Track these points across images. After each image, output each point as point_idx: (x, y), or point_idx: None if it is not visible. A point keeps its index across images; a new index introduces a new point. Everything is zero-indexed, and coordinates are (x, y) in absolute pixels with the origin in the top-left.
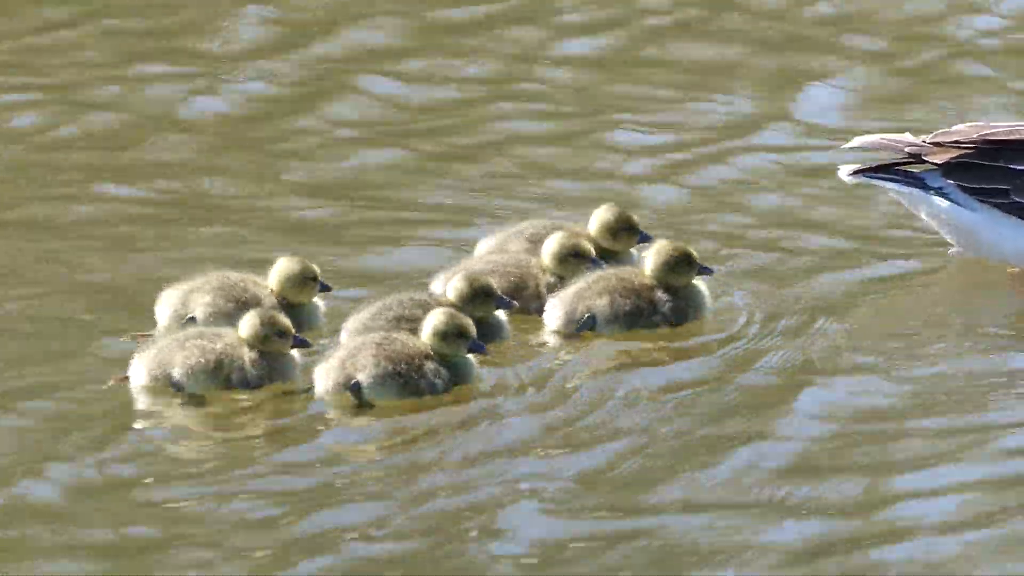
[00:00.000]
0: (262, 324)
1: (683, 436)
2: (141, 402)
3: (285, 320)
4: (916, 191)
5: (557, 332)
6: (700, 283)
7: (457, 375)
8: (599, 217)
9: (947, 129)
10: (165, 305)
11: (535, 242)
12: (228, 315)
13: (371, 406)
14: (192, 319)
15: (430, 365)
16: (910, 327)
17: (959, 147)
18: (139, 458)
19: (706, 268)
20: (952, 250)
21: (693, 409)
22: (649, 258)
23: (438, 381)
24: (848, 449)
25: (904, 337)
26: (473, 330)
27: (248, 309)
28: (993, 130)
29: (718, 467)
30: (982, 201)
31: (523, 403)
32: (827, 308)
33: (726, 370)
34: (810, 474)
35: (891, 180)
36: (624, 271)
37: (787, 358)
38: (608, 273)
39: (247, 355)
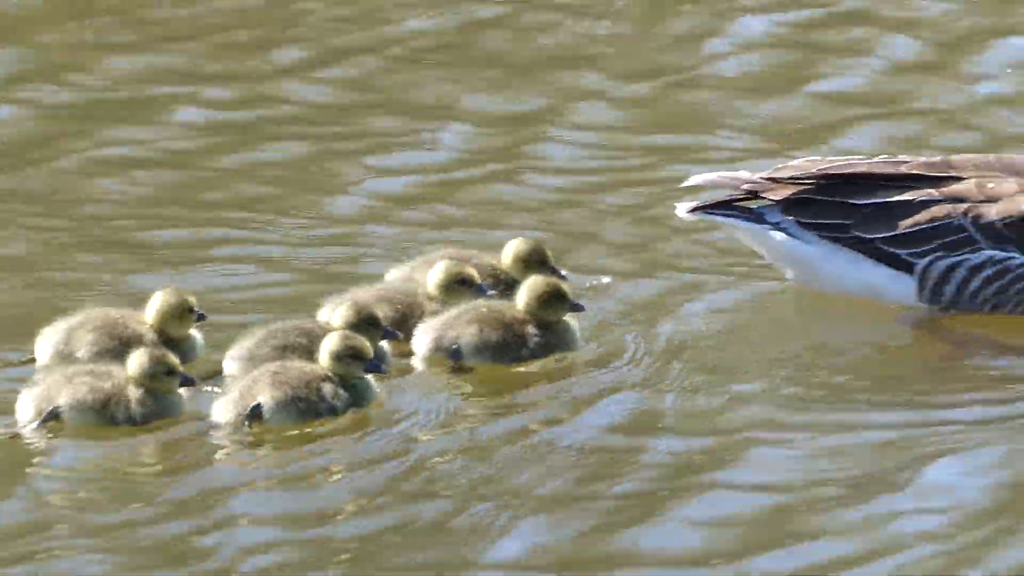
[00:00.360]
0: (151, 362)
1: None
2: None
3: (173, 359)
4: (755, 226)
5: (425, 359)
6: (572, 319)
7: (356, 397)
8: (513, 248)
9: (784, 164)
10: (47, 343)
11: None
12: (111, 352)
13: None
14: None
15: (328, 387)
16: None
17: (797, 183)
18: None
19: (578, 304)
20: (789, 280)
21: (544, 449)
22: (522, 293)
23: (337, 403)
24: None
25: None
26: (370, 351)
27: (129, 347)
28: (830, 165)
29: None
30: (821, 236)
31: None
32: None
33: (574, 404)
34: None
35: (730, 216)
36: (497, 304)
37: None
38: (480, 304)
39: (133, 393)
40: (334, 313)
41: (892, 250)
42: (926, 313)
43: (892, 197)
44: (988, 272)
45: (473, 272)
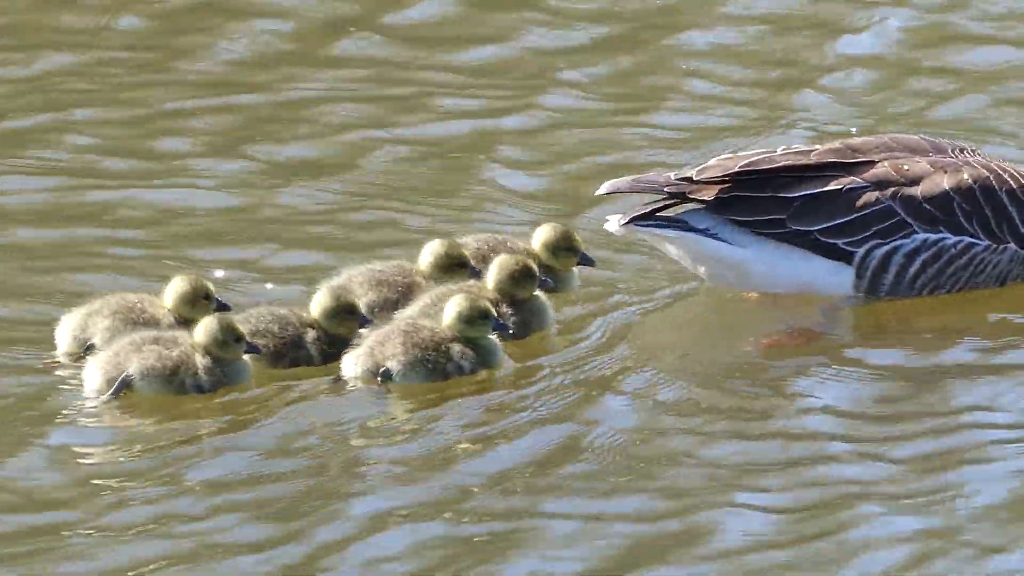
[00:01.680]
0: (220, 329)
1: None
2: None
3: (240, 326)
4: (688, 235)
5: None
6: (543, 296)
7: (484, 358)
8: (542, 234)
9: (702, 164)
10: (65, 330)
11: (480, 260)
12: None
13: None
14: (92, 346)
15: (456, 347)
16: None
17: (722, 181)
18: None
19: (545, 280)
20: (705, 281)
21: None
22: (492, 271)
23: (466, 363)
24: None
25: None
26: (494, 311)
27: (412, 294)
28: (753, 158)
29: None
30: (757, 233)
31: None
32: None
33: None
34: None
35: (663, 227)
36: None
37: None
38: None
39: (200, 361)
40: (313, 299)
41: (830, 241)
42: (858, 302)
43: (820, 188)
44: (924, 255)
45: (466, 253)
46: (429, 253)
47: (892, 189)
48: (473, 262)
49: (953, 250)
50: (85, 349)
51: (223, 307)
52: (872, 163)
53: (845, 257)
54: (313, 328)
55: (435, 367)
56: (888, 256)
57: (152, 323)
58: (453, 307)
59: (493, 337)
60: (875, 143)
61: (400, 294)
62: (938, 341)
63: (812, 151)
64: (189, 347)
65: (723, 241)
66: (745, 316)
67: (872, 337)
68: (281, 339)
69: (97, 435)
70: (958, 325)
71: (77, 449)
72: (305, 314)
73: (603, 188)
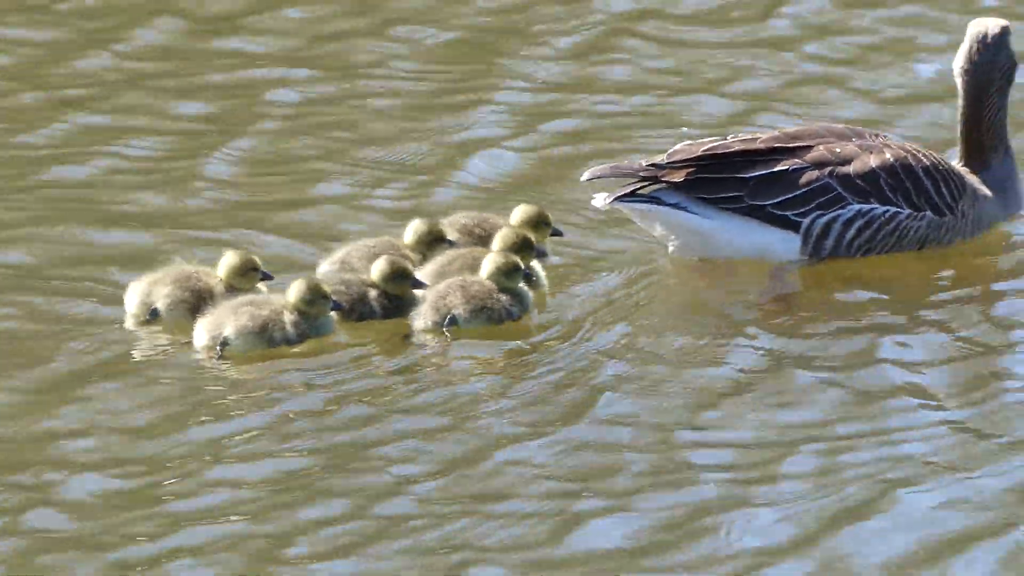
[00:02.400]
0: (308, 290)
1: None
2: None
3: (326, 286)
4: (662, 208)
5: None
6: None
7: (522, 304)
8: (521, 211)
9: (671, 150)
10: (133, 295)
11: (467, 234)
12: (186, 303)
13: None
14: (155, 311)
15: (504, 296)
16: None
17: (689, 165)
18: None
19: (542, 251)
20: (671, 251)
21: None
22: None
23: (514, 308)
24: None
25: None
26: (522, 264)
27: (203, 298)
28: (711, 145)
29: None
30: (721, 208)
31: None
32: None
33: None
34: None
35: (641, 202)
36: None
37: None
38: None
39: (288, 317)
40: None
41: (781, 213)
42: (803, 264)
43: (770, 169)
44: (859, 223)
45: (443, 229)
46: (412, 231)
47: (829, 168)
48: (459, 236)
49: (882, 218)
50: (150, 313)
51: (267, 276)
52: (809, 147)
53: (793, 226)
54: (374, 288)
55: (492, 313)
56: (828, 224)
57: (207, 292)
58: (491, 263)
59: (524, 286)
60: (809, 131)
61: None
62: (872, 295)
63: (757, 139)
64: (279, 306)
65: (692, 214)
66: (705, 290)
67: (817, 291)
68: (349, 296)
69: (210, 383)
70: (887, 281)
71: (189, 398)
72: (365, 276)
73: (586, 175)
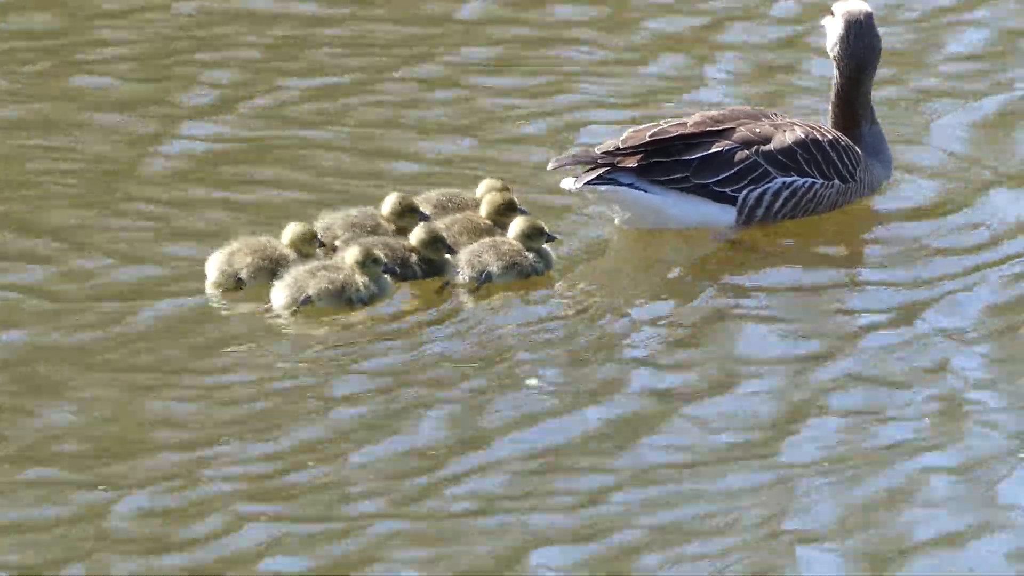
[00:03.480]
0: (361, 254)
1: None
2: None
3: (379, 252)
4: (622, 189)
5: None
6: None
7: (547, 261)
8: (484, 186)
9: (623, 136)
10: (213, 265)
11: (440, 208)
12: (266, 271)
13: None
14: (240, 279)
15: (531, 255)
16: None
17: (639, 151)
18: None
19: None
20: (618, 222)
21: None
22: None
23: (539, 265)
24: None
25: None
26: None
27: (279, 265)
28: (655, 130)
29: None
30: (671, 188)
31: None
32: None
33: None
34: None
35: (605, 184)
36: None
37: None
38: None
39: (359, 279)
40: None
41: (721, 189)
42: (738, 230)
43: (706, 151)
44: (785, 194)
45: (416, 202)
46: (389, 203)
47: (755, 147)
48: (433, 210)
49: (802, 188)
50: (236, 281)
51: (323, 244)
52: (733, 129)
53: (731, 200)
54: (414, 252)
55: (522, 269)
56: (759, 197)
57: (281, 259)
58: (516, 226)
59: (546, 246)
60: (726, 114)
61: (368, 233)
62: (798, 253)
63: (683, 123)
64: (350, 270)
65: (648, 193)
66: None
67: (755, 252)
68: (395, 260)
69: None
70: (810, 241)
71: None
72: (404, 242)
73: (552, 164)
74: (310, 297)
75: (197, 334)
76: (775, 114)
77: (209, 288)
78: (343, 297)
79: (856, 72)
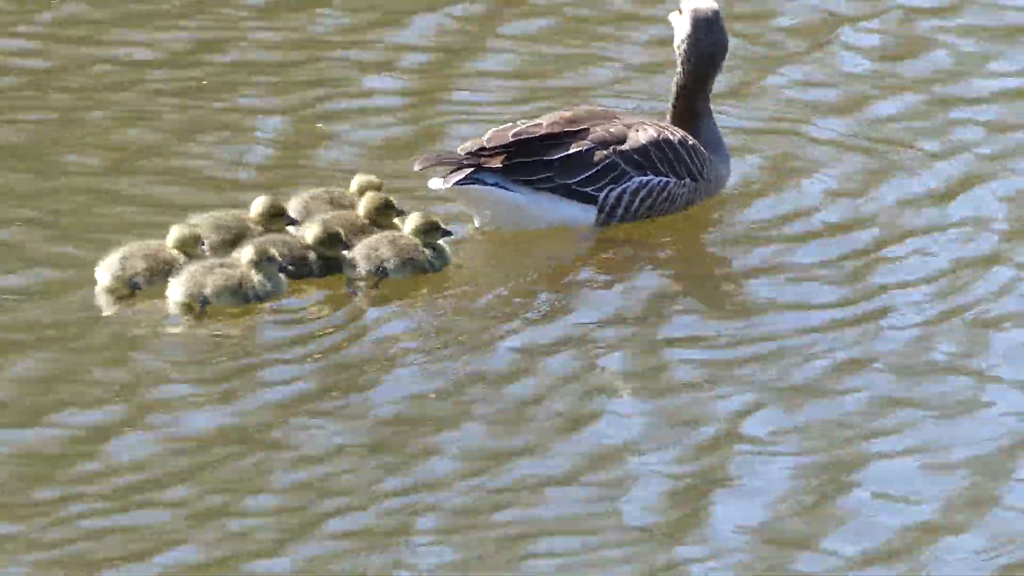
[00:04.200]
0: (258, 253)
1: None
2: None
3: (274, 250)
4: (488, 188)
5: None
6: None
7: (444, 257)
8: (367, 197)
9: (486, 136)
10: (106, 270)
11: (337, 204)
12: (161, 274)
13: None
14: (136, 284)
15: (427, 250)
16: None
17: (502, 151)
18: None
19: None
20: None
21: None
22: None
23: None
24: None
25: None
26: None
27: (173, 268)
28: (517, 130)
29: None
30: (535, 188)
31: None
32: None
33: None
34: None
35: (471, 184)
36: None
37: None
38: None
39: (255, 277)
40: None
41: (582, 189)
42: (599, 229)
43: (566, 152)
44: (642, 193)
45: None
46: (257, 205)
47: (612, 147)
48: (298, 214)
49: (658, 187)
50: (131, 286)
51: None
52: (588, 130)
53: (592, 200)
54: (311, 250)
55: (418, 264)
56: (619, 196)
57: (174, 262)
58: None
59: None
60: (580, 115)
61: (235, 234)
62: (656, 250)
63: (539, 123)
64: (245, 267)
65: (513, 192)
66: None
67: (620, 248)
68: (292, 259)
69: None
70: (666, 237)
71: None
72: (302, 240)
73: (417, 165)
74: (207, 298)
75: (93, 338)
76: (621, 113)
77: (102, 293)
78: (240, 294)
79: (701, 69)
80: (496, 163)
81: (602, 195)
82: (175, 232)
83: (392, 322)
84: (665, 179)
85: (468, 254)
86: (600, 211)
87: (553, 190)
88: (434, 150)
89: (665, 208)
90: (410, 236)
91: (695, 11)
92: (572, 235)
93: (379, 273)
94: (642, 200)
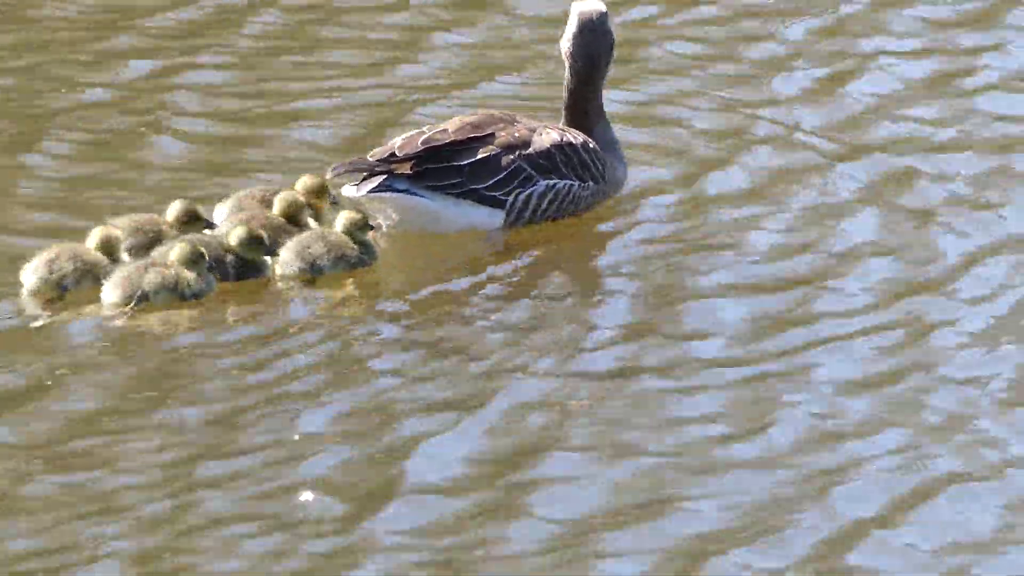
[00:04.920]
0: (190, 252)
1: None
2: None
3: (203, 249)
4: (400, 195)
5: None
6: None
7: (372, 252)
8: (304, 182)
9: (397, 144)
10: (32, 272)
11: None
12: (90, 276)
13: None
14: (64, 287)
15: (358, 247)
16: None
17: (413, 157)
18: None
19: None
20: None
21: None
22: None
23: (366, 257)
24: None
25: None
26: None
27: (100, 269)
28: (425, 136)
29: None
30: (446, 193)
31: None
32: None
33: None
34: None
35: (384, 191)
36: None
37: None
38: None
39: (189, 275)
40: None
41: (491, 194)
42: (505, 232)
43: (474, 157)
44: (549, 196)
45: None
46: (172, 209)
47: (517, 152)
48: (232, 213)
49: (563, 190)
50: (59, 289)
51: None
52: (493, 135)
53: (500, 204)
54: (230, 252)
55: (350, 260)
56: (526, 199)
57: (99, 264)
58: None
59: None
60: (483, 119)
61: (151, 239)
62: (563, 250)
63: (445, 129)
64: (178, 265)
65: (421, 197)
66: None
67: (527, 250)
68: (210, 260)
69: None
70: (573, 238)
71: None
72: (224, 242)
73: (330, 173)
74: (146, 294)
75: (24, 343)
76: (521, 116)
77: (27, 296)
78: (176, 292)
79: (588, 71)
80: (406, 169)
81: (510, 199)
82: (97, 234)
83: (326, 323)
84: (570, 182)
85: (388, 251)
86: (508, 214)
87: (463, 195)
88: (348, 159)
89: (569, 210)
90: (340, 233)
91: (581, 13)
92: (480, 235)
93: (313, 270)
94: (549, 203)
